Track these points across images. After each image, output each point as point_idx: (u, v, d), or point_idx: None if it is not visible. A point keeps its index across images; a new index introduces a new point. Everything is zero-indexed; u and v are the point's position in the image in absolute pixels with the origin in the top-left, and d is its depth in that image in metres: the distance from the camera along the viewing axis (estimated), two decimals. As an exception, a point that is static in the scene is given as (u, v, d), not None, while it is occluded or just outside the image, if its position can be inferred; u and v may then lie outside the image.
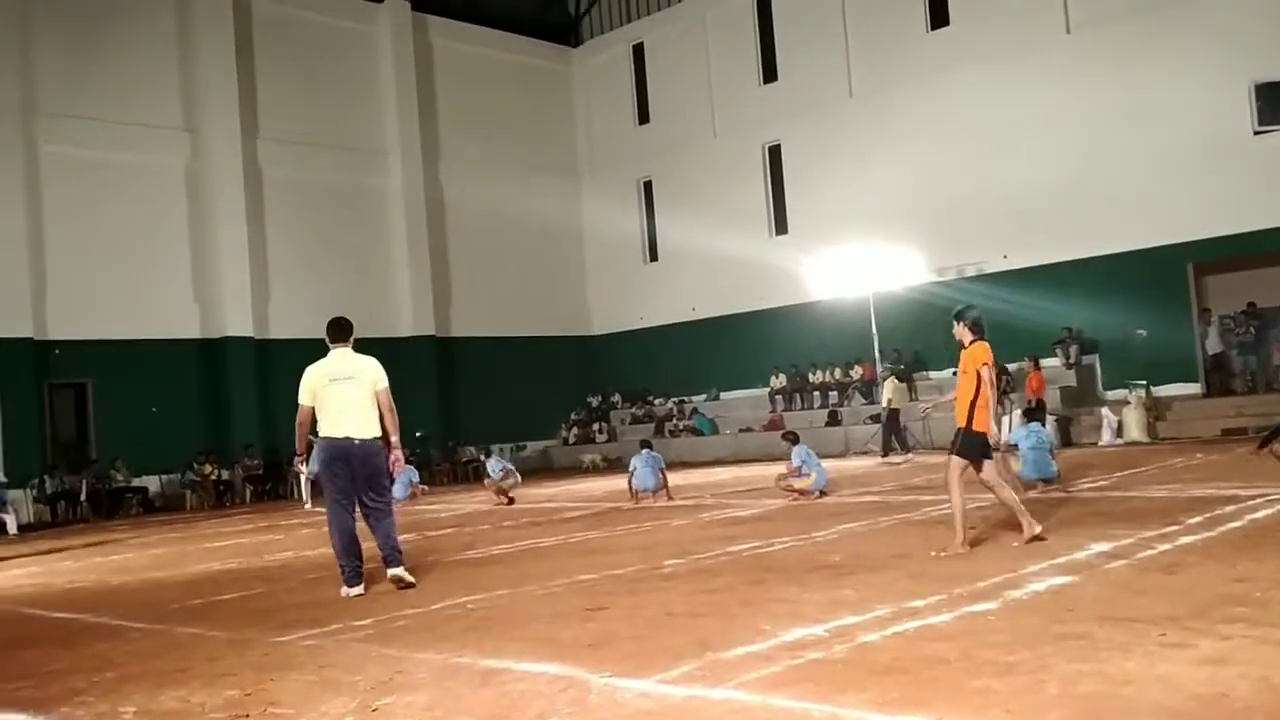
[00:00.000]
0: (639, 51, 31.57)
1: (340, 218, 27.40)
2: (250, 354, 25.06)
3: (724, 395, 28.68)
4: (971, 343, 7.71)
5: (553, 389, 30.00)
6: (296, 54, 26.97)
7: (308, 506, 19.44)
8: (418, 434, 24.08)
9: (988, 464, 7.77)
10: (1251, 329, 20.95)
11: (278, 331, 25.60)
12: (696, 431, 27.30)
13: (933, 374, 24.50)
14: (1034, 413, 12.87)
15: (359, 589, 7.63)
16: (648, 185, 31.42)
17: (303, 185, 26.73)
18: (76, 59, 23.51)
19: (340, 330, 8.04)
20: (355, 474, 7.66)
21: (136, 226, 24.02)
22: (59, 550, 14.44)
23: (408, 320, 27.59)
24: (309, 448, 8.22)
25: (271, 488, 24.00)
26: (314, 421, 7.80)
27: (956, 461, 7.70)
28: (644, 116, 31.49)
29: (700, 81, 29.52)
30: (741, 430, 26.34)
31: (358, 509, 7.83)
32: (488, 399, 28.52)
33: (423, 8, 29.46)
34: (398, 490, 18.74)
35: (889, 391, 20.58)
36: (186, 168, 25.02)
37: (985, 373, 7.51)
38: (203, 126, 25.08)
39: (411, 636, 6.00)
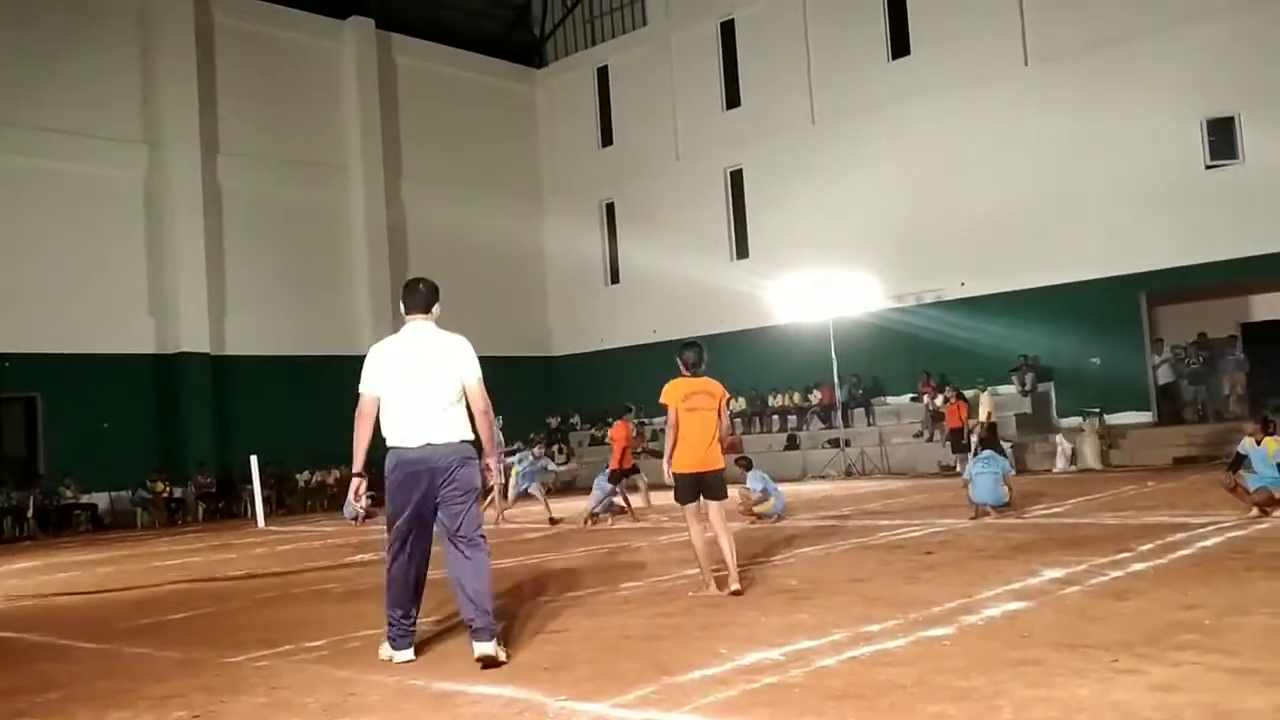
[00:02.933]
0: (603, 74, 31.71)
1: (300, 234, 27.22)
2: (205, 370, 24.79)
3: (683, 418, 28.62)
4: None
5: (512, 409, 29.77)
6: (259, 69, 26.83)
7: (261, 525, 19.22)
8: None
9: (711, 504, 7.53)
10: (1201, 359, 21.32)
11: (234, 348, 25.38)
12: (656, 454, 27.24)
13: (890, 399, 24.68)
14: (989, 441, 12.99)
15: (407, 654, 5.74)
16: (610, 207, 31.49)
17: (263, 201, 26.54)
18: (30, 68, 23.21)
19: (418, 296, 6.00)
20: (434, 494, 5.64)
21: (91, 239, 23.72)
22: (3, 568, 14.15)
23: (367, 337, 27.30)
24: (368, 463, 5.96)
25: (224, 506, 23.70)
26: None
27: (687, 506, 7.57)
28: (607, 139, 31.60)
29: (664, 105, 29.68)
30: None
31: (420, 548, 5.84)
32: (446, 419, 28.35)
33: (387, 26, 29.44)
34: (346, 510, 18.53)
35: (986, 405, 19.68)
36: (144, 181, 24.77)
37: (670, 413, 7.41)
38: (162, 140, 24.86)
39: (366, 658, 5.92)
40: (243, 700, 5.10)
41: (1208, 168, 20.71)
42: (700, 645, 5.63)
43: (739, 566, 7.54)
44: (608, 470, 15.28)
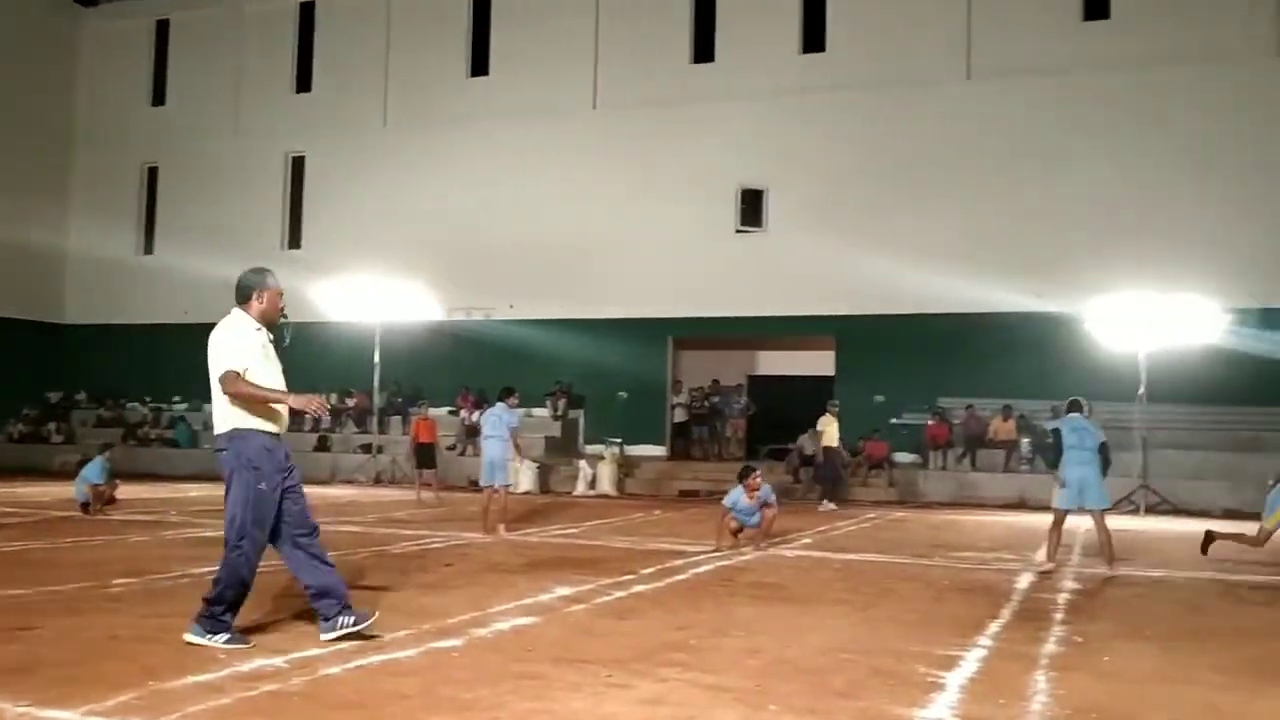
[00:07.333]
0: (164, 27, 29.27)
1: None
2: None
3: (208, 407, 26.86)
4: None
5: (4, 377, 26.46)
6: None
7: None
8: None
9: None
10: (709, 403, 23.44)
11: None
12: (173, 443, 25.36)
13: (430, 411, 24.71)
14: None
15: None
16: (153, 171, 29.06)
17: None
18: None
19: None
20: None
21: None
22: None
23: None
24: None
25: None
26: None
27: None
28: (159, 98, 29.17)
29: (228, 74, 27.93)
30: (219, 449, 24.75)
31: None
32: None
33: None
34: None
35: (827, 427, 17.42)
36: None
37: None
38: None
39: None
40: None
41: (737, 231, 22.92)
42: (197, 650, 5.27)
43: (261, 566, 7.13)
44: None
